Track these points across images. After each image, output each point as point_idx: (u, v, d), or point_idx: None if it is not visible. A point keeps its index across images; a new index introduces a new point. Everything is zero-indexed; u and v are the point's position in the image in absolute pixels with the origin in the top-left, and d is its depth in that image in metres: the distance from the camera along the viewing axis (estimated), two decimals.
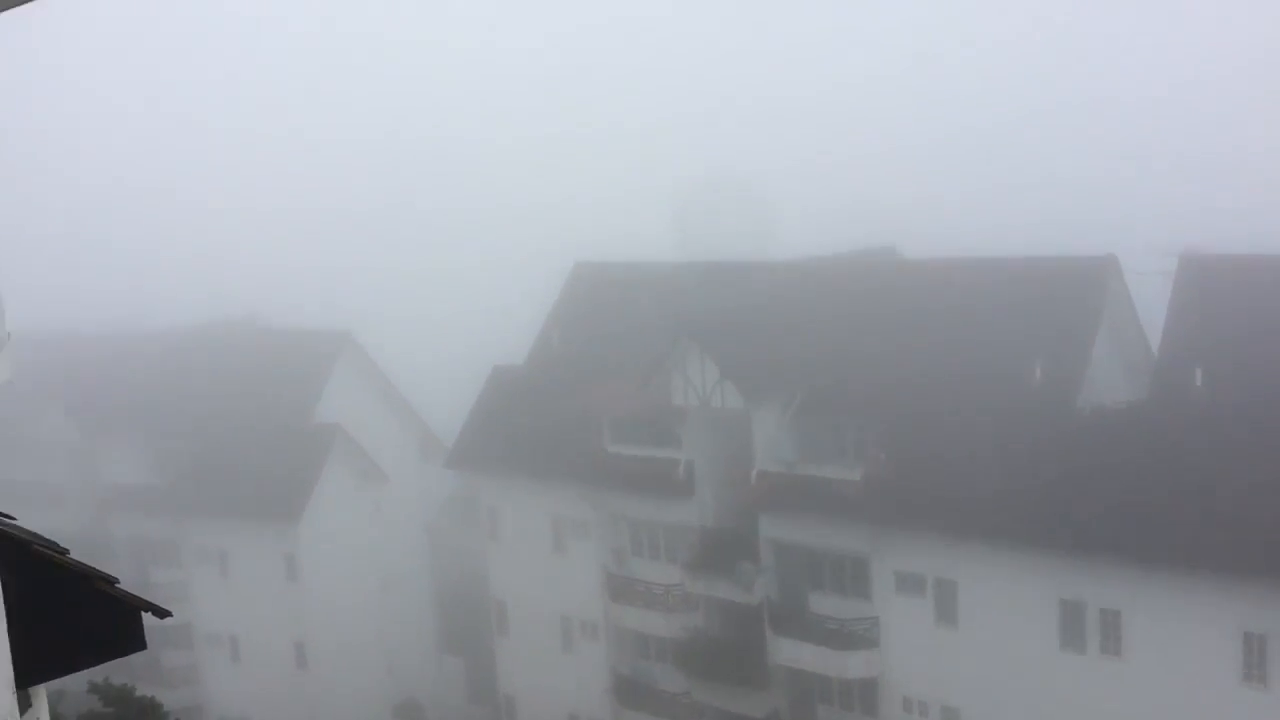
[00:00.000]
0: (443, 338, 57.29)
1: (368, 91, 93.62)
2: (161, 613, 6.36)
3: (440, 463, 44.64)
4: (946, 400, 31.30)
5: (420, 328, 58.66)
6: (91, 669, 6.58)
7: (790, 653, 32.54)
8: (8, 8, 5.39)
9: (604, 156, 77.21)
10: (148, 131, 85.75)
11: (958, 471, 30.10)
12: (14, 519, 6.91)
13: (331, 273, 66.24)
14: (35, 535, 6.66)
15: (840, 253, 37.82)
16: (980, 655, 29.67)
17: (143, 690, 22.81)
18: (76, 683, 15.34)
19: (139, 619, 6.34)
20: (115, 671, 18.07)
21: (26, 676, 5.90)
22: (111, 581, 6.33)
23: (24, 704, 6.09)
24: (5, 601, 5.58)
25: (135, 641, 6.32)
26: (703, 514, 35.10)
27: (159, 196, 76.91)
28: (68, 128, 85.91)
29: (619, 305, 40.86)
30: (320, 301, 55.26)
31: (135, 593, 6.54)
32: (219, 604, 44.44)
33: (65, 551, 6.56)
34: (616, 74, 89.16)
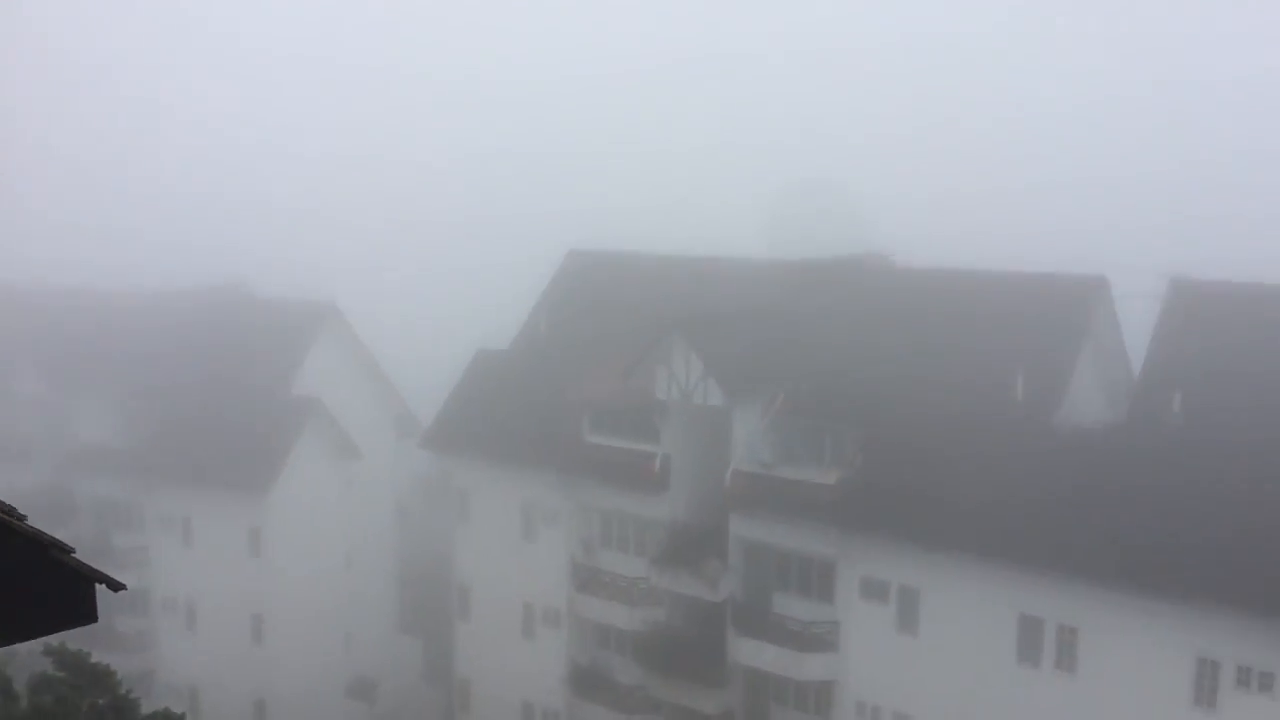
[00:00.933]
0: (432, 318, 56.99)
1: (382, 77, 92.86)
2: (115, 585, 6.12)
3: (416, 442, 44.33)
4: (927, 409, 31.29)
5: (410, 306, 58.34)
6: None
7: (750, 652, 32.52)
8: None
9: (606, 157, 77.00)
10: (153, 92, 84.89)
11: (931, 481, 30.10)
12: None
13: (326, 249, 65.86)
14: None
15: (834, 256, 37.71)
16: (937, 664, 29.76)
17: (98, 655, 22.48)
18: (30, 644, 15.06)
19: (92, 590, 6.10)
20: (70, 635, 17.74)
21: None
22: (67, 550, 6.09)
23: None
24: None
25: (87, 613, 6.09)
26: (675, 509, 34.97)
27: (165, 165, 76.27)
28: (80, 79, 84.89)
29: (608, 295, 40.64)
30: (312, 273, 54.84)
31: (93, 559, 6.29)
32: (179, 572, 44.02)
33: (23, 517, 6.31)
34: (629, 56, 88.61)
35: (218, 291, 48.73)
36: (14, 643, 6.11)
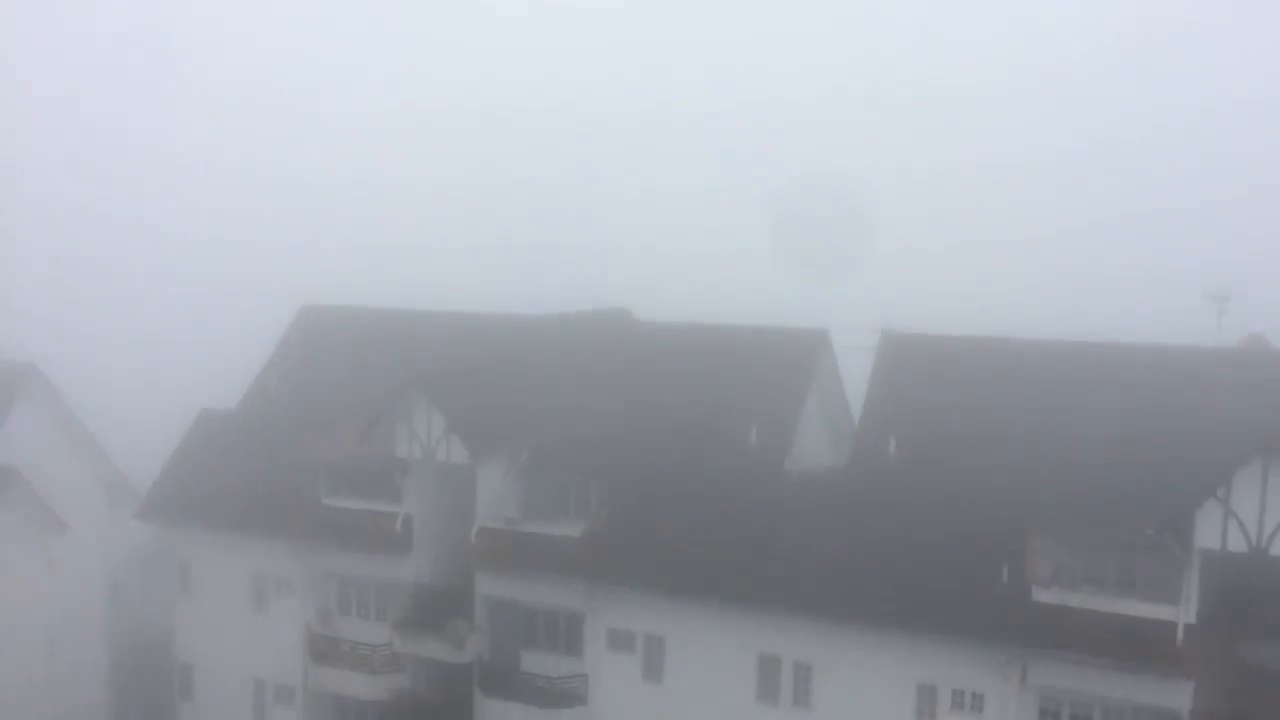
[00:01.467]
0: (151, 378, 53.00)
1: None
2: None
3: (131, 512, 40.95)
4: (667, 460, 32.15)
5: (125, 364, 53.99)
6: None
7: (498, 712, 31.90)
8: None
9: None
10: None
11: (672, 530, 30.88)
12: None
13: (26, 299, 59.98)
14: None
15: (575, 310, 38.27)
16: (683, 709, 30.30)
17: None
18: None
19: None
20: None
21: None
22: None
23: None
24: None
25: None
26: (418, 570, 34.00)
27: None
28: None
29: (345, 351, 39.36)
30: (8, 329, 49.74)
31: None
32: None
33: None
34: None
35: None
36: None
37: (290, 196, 74.34)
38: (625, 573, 30.93)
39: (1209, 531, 25.11)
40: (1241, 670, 26.64)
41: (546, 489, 33.13)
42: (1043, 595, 27.06)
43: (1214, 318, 30.46)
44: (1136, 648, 25.60)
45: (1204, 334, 30.44)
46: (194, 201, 74.81)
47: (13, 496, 39.71)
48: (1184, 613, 25.53)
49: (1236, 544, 24.93)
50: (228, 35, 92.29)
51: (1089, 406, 29.32)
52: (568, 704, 31.40)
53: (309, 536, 34.99)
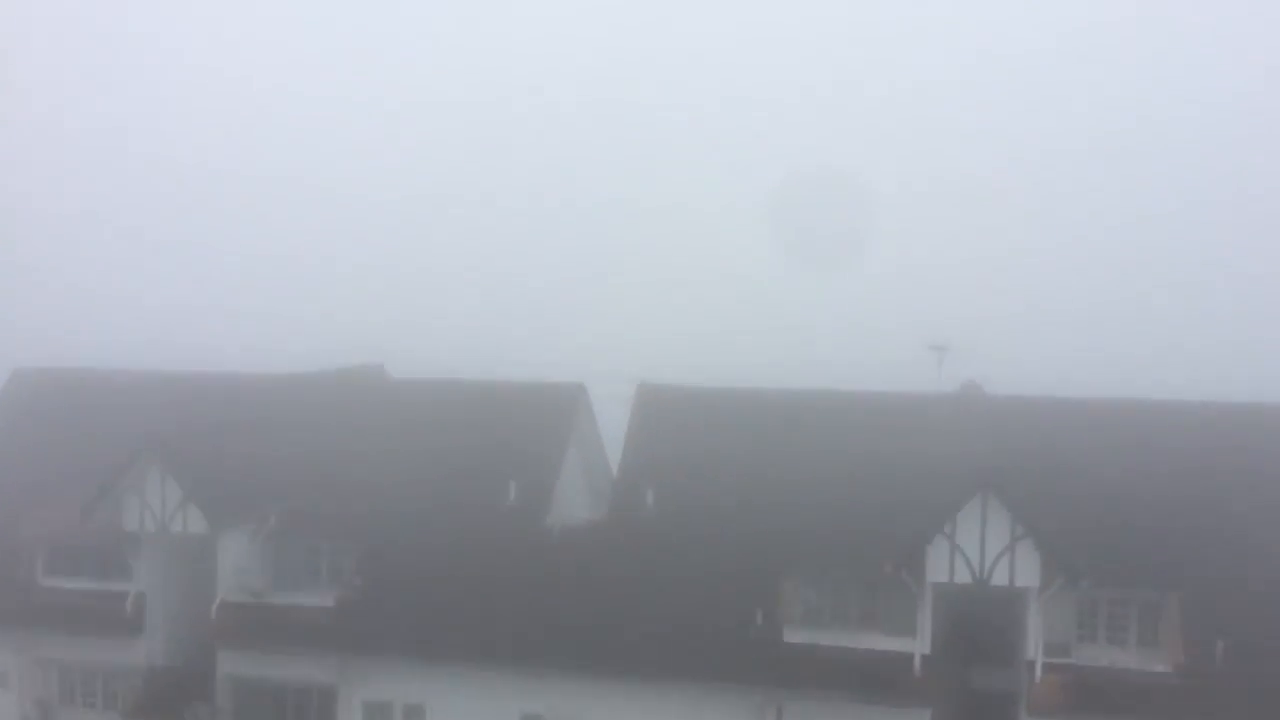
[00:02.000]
0: None
1: None
2: None
3: None
4: (424, 522, 31.28)
5: None
6: None
7: None
8: None
9: None
10: None
11: (431, 594, 29.97)
12: None
13: None
14: None
15: (324, 369, 36.90)
16: None
17: None
18: None
19: None
20: None
21: None
22: None
23: None
24: None
25: None
26: (152, 653, 31.41)
27: None
28: None
29: (65, 417, 36.15)
30: None
31: None
32: None
33: None
34: None
35: None
36: None
37: None
38: (381, 641, 29.72)
39: (938, 566, 26.85)
40: (971, 695, 28.54)
41: (295, 557, 31.48)
42: (794, 635, 28.05)
43: (935, 366, 32.93)
44: (879, 681, 26.92)
45: (928, 381, 32.84)
46: None
47: None
48: (920, 644, 27.09)
49: (962, 576, 26.78)
50: None
51: (830, 451, 30.88)
52: None
53: (25, 622, 31.70)
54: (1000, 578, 26.65)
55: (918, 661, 27.00)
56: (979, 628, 28.57)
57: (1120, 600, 27.38)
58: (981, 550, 26.75)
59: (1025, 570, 26.54)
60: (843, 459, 30.56)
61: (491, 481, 31.92)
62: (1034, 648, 26.63)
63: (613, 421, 34.71)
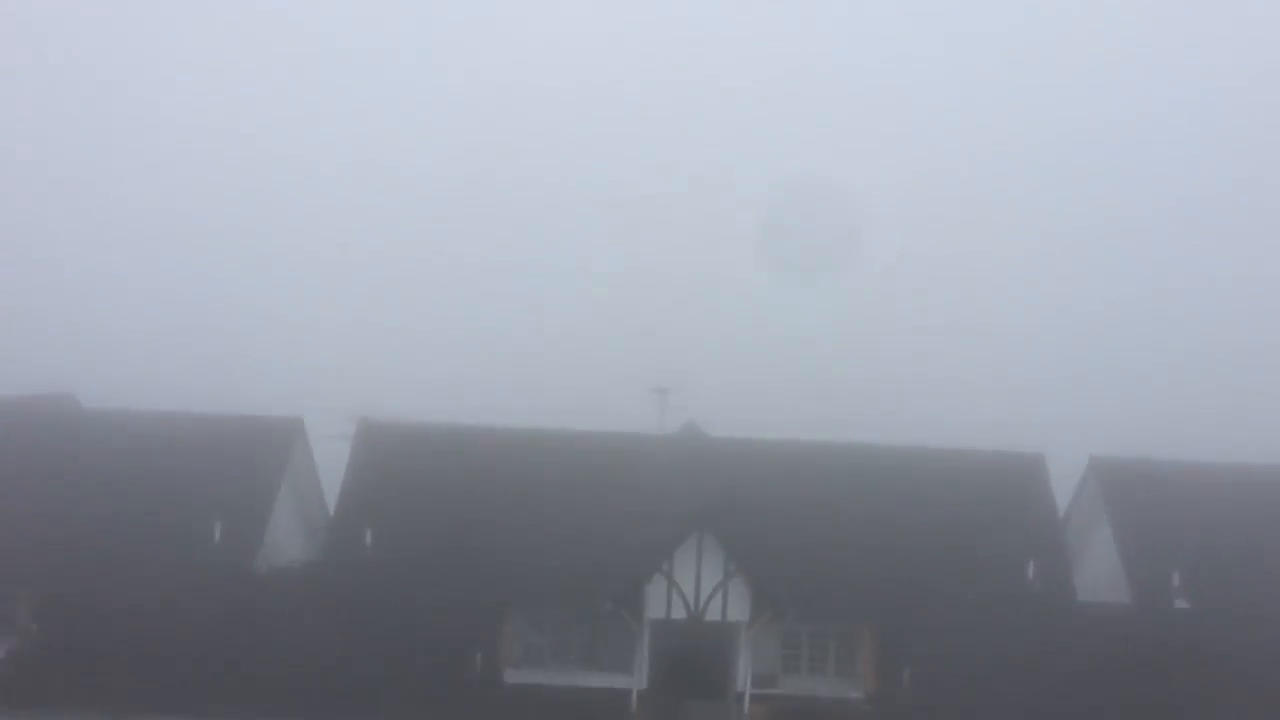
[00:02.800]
0: None
1: None
2: None
3: None
4: (117, 564, 28.88)
5: None
6: None
7: None
8: None
9: None
10: None
11: (124, 641, 27.58)
12: None
13: None
14: None
15: (3, 396, 33.52)
16: None
17: None
18: None
19: None
20: None
21: None
22: None
23: None
24: None
25: None
26: None
27: None
28: None
29: None
30: None
31: None
32: None
33: None
34: None
35: None
36: None
37: None
38: (64, 695, 27.00)
39: (656, 603, 27.54)
40: None
41: None
42: (514, 676, 27.86)
43: (657, 408, 33.94)
44: (596, 718, 27.13)
45: (650, 423, 33.73)
46: None
47: None
48: (637, 680, 27.60)
49: (678, 612, 27.57)
50: None
51: (551, 491, 31.06)
52: None
53: None
54: (714, 613, 27.65)
55: (634, 697, 27.46)
56: (693, 662, 29.40)
57: (820, 633, 28.99)
58: (697, 587, 27.68)
59: (736, 605, 27.67)
60: (563, 499, 30.80)
61: (195, 520, 29.90)
62: (743, 679, 27.71)
63: (334, 459, 33.47)
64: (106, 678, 27.15)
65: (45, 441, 31.80)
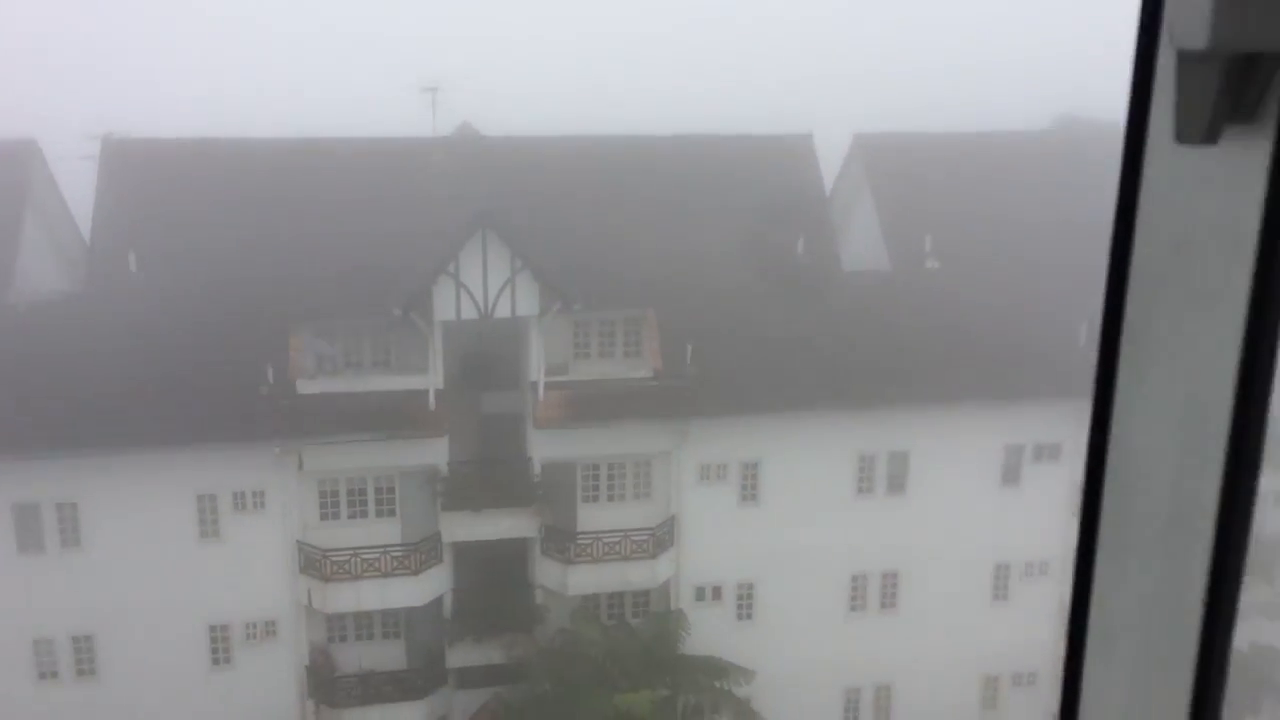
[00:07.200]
0: None
1: None
2: None
3: None
4: None
5: None
6: None
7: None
8: None
9: None
10: None
11: None
12: None
13: None
14: None
15: None
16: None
17: None
18: None
19: None
20: None
21: None
22: None
23: None
24: None
25: None
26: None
27: None
28: None
29: None
30: None
31: None
32: None
33: None
34: None
35: None
36: None
37: None
38: None
39: (445, 305, 27.66)
40: (484, 420, 30.41)
41: None
42: (308, 387, 27.84)
43: (428, 110, 32.35)
44: (395, 419, 27.74)
45: (422, 127, 32.22)
46: None
47: None
48: (433, 380, 28.12)
49: (469, 312, 27.85)
50: None
51: (325, 201, 29.94)
52: None
53: None
54: (504, 310, 28.07)
55: (432, 396, 28.06)
56: (487, 357, 30.13)
57: (607, 320, 30.03)
58: (485, 285, 27.86)
59: (525, 300, 28.14)
60: (339, 208, 29.79)
61: None
62: (537, 370, 28.68)
63: (82, 183, 30.81)
64: None
65: None
